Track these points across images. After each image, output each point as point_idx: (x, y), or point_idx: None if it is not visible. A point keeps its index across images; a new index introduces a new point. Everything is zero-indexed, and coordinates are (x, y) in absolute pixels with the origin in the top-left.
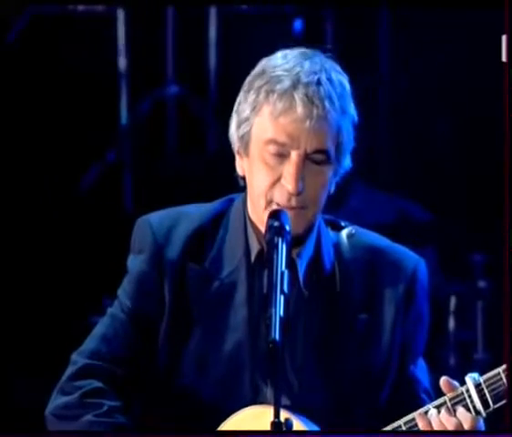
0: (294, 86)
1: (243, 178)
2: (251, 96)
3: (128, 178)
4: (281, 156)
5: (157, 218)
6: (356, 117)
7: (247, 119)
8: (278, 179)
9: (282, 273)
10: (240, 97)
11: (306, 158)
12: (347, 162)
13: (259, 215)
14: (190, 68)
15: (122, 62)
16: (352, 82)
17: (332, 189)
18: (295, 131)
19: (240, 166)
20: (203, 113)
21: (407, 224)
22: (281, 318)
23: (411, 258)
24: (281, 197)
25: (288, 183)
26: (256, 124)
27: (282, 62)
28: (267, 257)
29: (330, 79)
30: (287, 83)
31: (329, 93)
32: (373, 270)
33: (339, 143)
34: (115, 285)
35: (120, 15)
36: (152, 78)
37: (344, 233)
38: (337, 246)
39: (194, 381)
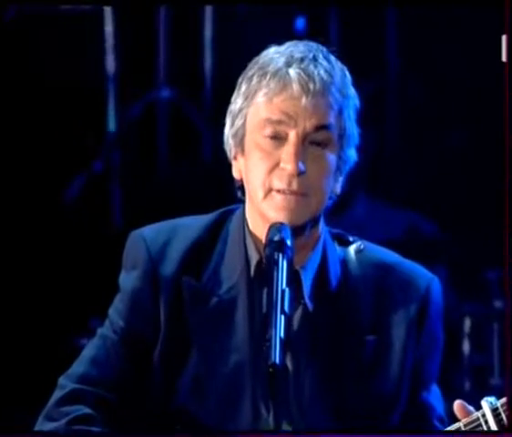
0: (288, 63)
1: (241, 186)
2: (243, 87)
3: (116, 190)
4: (279, 139)
5: (151, 231)
6: (359, 104)
7: (240, 111)
8: (276, 164)
9: (283, 291)
10: (233, 96)
11: (307, 141)
12: (352, 153)
13: (258, 209)
14: (184, 70)
15: (110, 63)
16: (357, 85)
17: (339, 189)
18: (291, 109)
19: (237, 168)
20: (197, 118)
21: (416, 239)
22: (281, 339)
23: (424, 275)
24: (280, 181)
25: (287, 163)
26: (250, 114)
27: (275, 49)
28: (267, 274)
29: (327, 59)
30: (280, 61)
31: (327, 69)
32: (383, 289)
33: (341, 128)
34: (103, 305)
35: (108, 12)
36: (142, 81)
37: (352, 248)
38: (344, 261)
39: (191, 405)
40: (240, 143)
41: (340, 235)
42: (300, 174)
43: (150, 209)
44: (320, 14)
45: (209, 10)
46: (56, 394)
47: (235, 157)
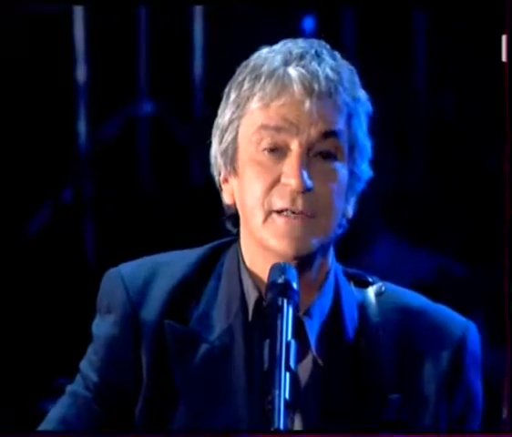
0: (286, 61)
1: (233, 215)
2: (233, 95)
3: (88, 223)
4: (279, 151)
5: (130, 269)
6: (371, 111)
7: (231, 123)
8: (277, 180)
9: (288, 344)
10: (220, 108)
11: (312, 152)
12: (366, 168)
13: (256, 238)
14: (169, 80)
15: (81, 73)
16: (377, 99)
17: (351, 212)
18: (292, 114)
19: (228, 192)
20: (185, 137)
21: (448, 284)
22: (286, 401)
23: (458, 322)
24: (281, 199)
25: (290, 178)
26: (243, 125)
27: (269, 49)
28: (269, 322)
29: (332, 55)
30: (276, 60)
31: (333, 66)
32: (409, 337)
33: (352, 136)
34: (73, 361)
35: (79, 12)
36: (120, 93)
37: (372, 290)
38: (362, 306)
39: None
40: (232, 161)
41: (357, 275)
42: (306, 191)
43: (130, 245)
44: (332, 13)
45: (198, 9)
46: None
47: (226, 180)
